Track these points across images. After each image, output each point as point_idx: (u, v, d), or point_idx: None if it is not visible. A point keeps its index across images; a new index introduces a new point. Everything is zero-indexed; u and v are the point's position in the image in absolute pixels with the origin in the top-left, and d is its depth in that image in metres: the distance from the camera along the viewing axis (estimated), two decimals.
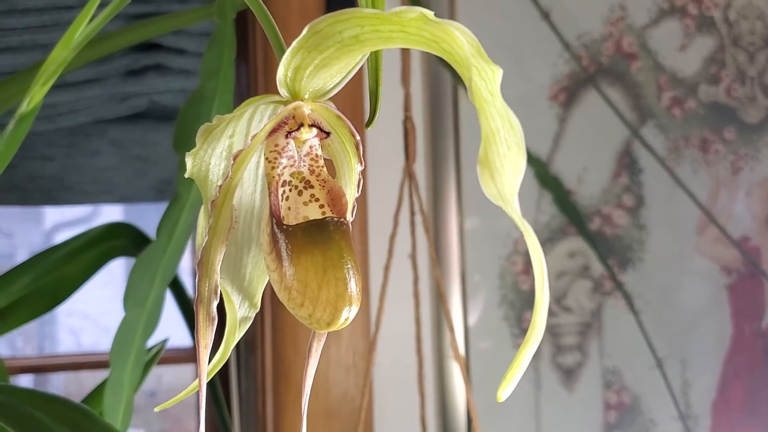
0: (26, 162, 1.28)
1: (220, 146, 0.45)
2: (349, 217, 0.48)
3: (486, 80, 0.32)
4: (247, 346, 1.40)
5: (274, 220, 0.42)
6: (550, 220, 1.40)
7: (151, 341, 0.96)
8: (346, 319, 0.42)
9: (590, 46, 1.43)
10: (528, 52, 1.39)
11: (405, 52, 1.03)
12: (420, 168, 1.30)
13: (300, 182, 0.45)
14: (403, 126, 1.02)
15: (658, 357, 1.39)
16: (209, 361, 0.49)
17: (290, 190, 0.44)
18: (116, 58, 1.21)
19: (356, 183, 0.47)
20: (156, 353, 0.94)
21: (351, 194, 0.48)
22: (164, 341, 0.95)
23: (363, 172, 0.48)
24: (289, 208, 0.45)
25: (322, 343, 0.51)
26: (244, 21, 1.21)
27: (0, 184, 1.28)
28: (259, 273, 0.50)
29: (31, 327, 3.53)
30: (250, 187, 0.48)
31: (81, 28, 0.60)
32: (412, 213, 1.05)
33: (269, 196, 0.43)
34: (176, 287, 0.95)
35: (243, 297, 0.50)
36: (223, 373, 1.43)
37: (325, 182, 0.45)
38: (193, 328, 0.98)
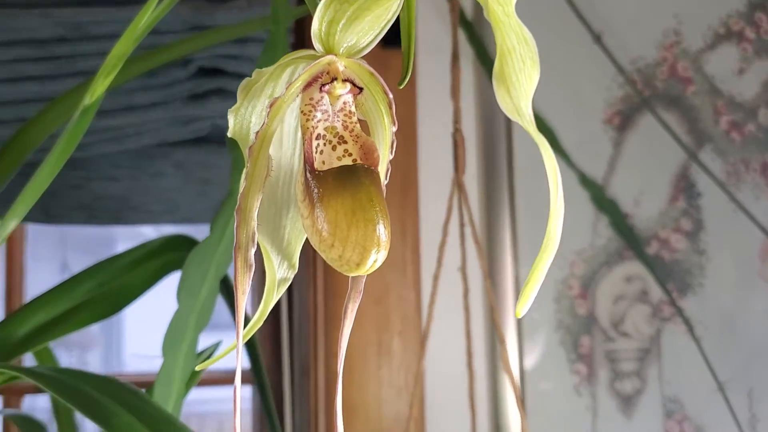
0: (93, 182, 1.34)
1: (260, 105, 0.47)
2: (383, 179, 0.49)
3: (502, 4, 0.34)
4: (301, 369, 1.42)
5: (307, 167, 0.44)
6: (606, 243, 1.38)
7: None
8: (375, 262, 0.43)
9: (644, 70, 1.43)
10: (581, 75, 1.40)
11: (455, 67, 1.05)
12: (473, 184, 1.31)
13: (334, 137, 0.46)
14: (453, 138, 1.04)
15: (722, 387, 1.34)
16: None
17: (324, 144, 0.46)
18: (180, 82, 1.27)
19: (390, 144, 0.49)
20: (209, 354, 0.97)
21: (385, 156, 0.49)
22: (218, 343, 0.97)
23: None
24: (323, 162, 0.46)
25: (356, 305, 0.52)
26: (303, 32, 1.25)
27: (68, 203, 1.34)
28: (297, 233, 0.51)
29: (95, 364, 3.63)
30: (289, 150, 0.50)
31: (143, 20, 0.64)
32: (462, 225, 1.06)
33: (303, 145, 0.45)
34: (228, 292, 0.98)
35: (282, 257, 0.52)
36: (278, 396, 1.44)
37: (358, 137, 0.47)
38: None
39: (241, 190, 0.45)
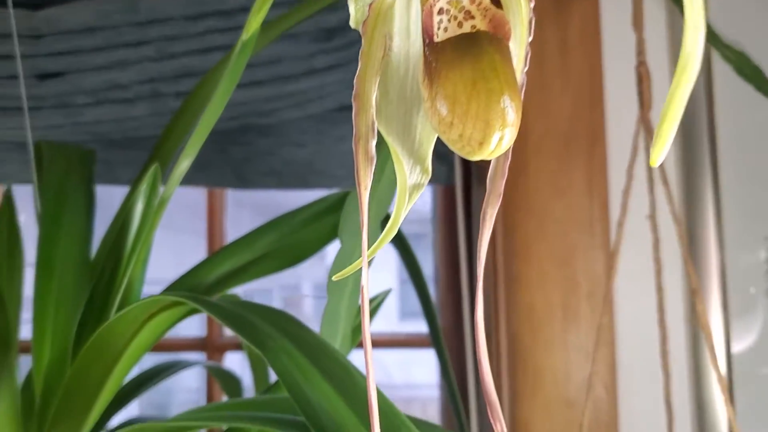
0: (283, 148, 1.39)
1: None
2: (523, 66, 0.44)
3: None
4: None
5: (426, 41, 0.41)
6: None
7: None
8: (501, 139, 0.39)
9: None
10: None
11: None
12: None
13: (459, 12, 0.42)
14: (637, 72, 0.95)
15: None
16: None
17: (449, 20, 0.42)
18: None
19: (528, 23, 0.44)
20: (380, 302, 0.96)
21: (522, 36, 0.44)
22: (387, 291, 0.96)
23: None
24: None
25: (495, 210, 0.48)
26: None
27: (261, 168, 1.40)
28: (428, 133, 0.48)
29: None
30: (418, 40, 0.47)
31: None
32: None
33: (422, 18, 0.42)
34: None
35: (414, 161, 0.48)
36: (459, 359, 1.41)
37: (486, 11, 0.42)
38: (405, 252, 0.97)
39: (357, 72, 0.42)
